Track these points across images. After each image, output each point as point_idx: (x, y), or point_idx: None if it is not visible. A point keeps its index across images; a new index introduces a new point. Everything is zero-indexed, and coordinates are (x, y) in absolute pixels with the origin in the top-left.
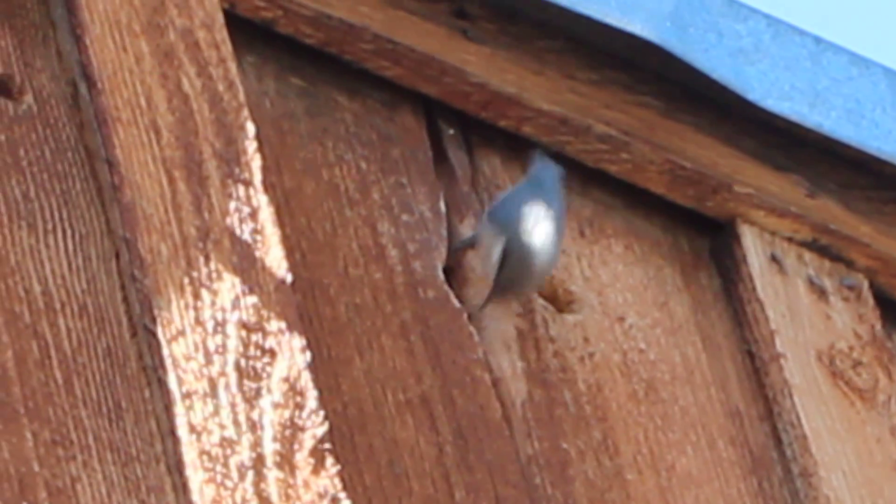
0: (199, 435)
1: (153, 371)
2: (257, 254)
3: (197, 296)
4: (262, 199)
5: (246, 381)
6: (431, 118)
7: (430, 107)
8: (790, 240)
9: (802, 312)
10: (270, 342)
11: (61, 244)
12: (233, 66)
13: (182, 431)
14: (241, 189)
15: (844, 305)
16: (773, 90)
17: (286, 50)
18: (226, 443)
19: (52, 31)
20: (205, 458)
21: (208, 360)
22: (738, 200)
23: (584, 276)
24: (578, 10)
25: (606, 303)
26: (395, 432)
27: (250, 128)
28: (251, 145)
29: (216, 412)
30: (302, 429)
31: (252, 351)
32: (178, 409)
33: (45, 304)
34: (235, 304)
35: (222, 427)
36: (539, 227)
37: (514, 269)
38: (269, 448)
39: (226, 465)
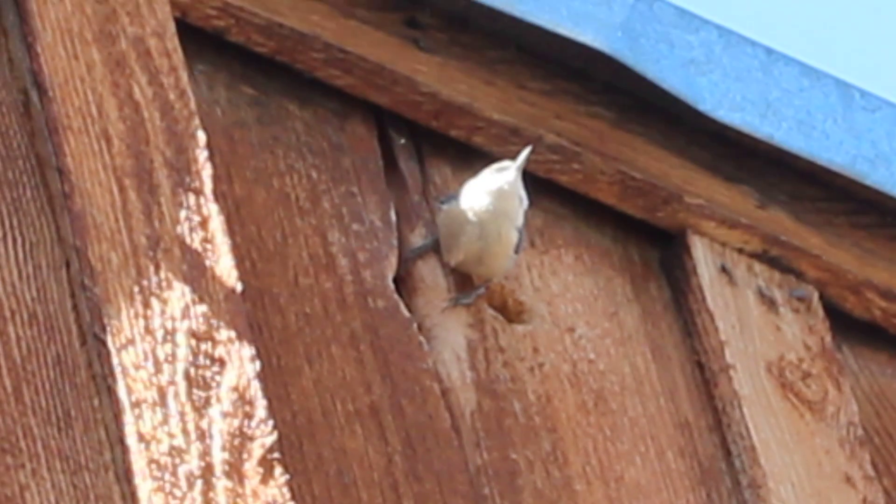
0: (147, 444)
1: (103, 379)
2: (207, 263)
3: (147, 304)
4: (212, 208)
5: (195, 390)
6: (382, 127)
7: (381, 116)
8: (740, 251)
9: (752, 324)
10: (220, 351)
11: (11, 252)
12: (184, 75)
13: (131, 440)
14: (192, 198)
15: (794, 317)
16: (725, 101)
17: (238, 59)
18: (175, 451)
19: (3, 38)
20: (153, 466)
21: (158, 369)
22: (688, 211)
23: (535, 286)
24: (530, 20)
25: (556, 313)
26: (344, 442)
27: (201, 136)
28: (202, 154)
29: (165, 421)
30: (251, 438)
31: (201, 360)
32: (128, 417)
33: None
34: (185, 312)
35: (171, 436)
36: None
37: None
38: (218, 457)
39: (174, 473)
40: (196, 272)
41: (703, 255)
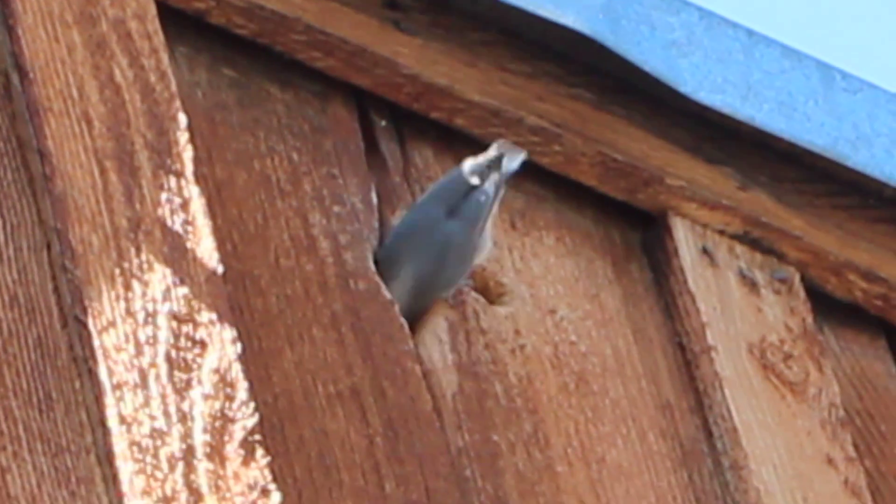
0: (129, 426)
1: (84, 362)
2: (188, 245)
3: (128, 287)
4: (193, 190)
5: (176, 373)
6: (363, 109)
7: (362, 98)
8: (722, 232)
9: (734, 305)
10: (201, 333)
11: None
12: (165, 57)
13: (112, 422)
14: (173, 180)
15: (776, 298)
16: (706, 83)
17: (218, 41)
18: (156, 434)
19: None
20: (135, 448)
21: (139, 351)
22: (669, 193)
23: (516, 268)
24: (511, 1)
25: (538, 295)
26: (325, 424)
27: (182, 119)
28: (183, 136)
29: (146, 403)
30: (232, 420)
31: (183, 342)
32: (109, 399)
33: None
34: (166, 295)
35: (152, 418)
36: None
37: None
38: (200, 439)
39: (156, 456)
40: (177, 254)
41: (684, 237)
